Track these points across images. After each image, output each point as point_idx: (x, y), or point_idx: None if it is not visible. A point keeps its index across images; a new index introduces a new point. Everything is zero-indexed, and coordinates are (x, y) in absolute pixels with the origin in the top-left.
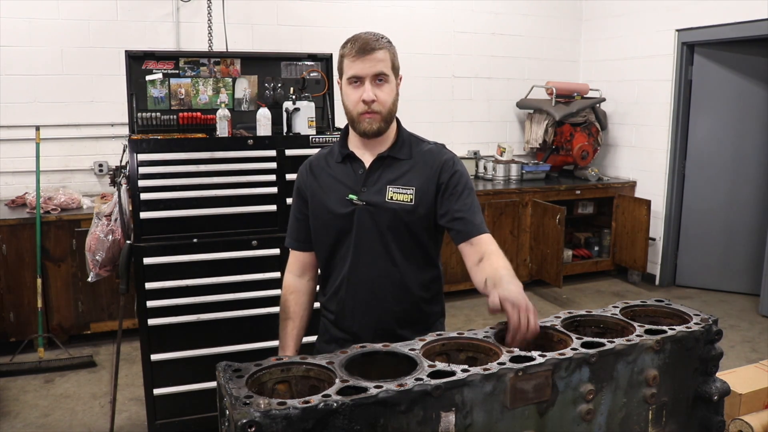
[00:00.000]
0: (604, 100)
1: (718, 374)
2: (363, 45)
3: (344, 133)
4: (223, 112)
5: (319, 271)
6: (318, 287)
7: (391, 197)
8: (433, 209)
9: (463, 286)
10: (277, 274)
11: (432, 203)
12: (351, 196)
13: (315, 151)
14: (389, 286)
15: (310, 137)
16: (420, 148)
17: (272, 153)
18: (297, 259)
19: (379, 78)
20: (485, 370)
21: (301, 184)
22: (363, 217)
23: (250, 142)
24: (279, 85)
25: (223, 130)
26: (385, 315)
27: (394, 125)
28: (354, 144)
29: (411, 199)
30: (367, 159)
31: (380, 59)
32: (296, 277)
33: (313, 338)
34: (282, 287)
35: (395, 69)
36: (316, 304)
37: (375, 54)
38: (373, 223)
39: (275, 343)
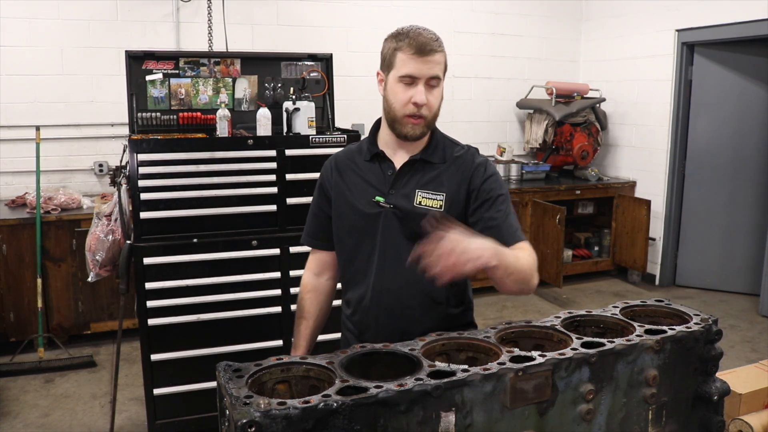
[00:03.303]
0: (604, 100)
1: (718, 374)
2: (423, 44)
3: (374, 129)
4: (223, 112)
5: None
6: (342, 303)
7: (420, 202)
8: (463, 216)
9: None
10: (277, 274)
11: (462, 210)
12: (378, 198)
13: (315, 151)
14: (417, 295)
15: (310, 137)
16: (453, 152)
17: (272, 153)
18: (315, 257)
19: (432, 81)
20: (485, 370)
21: (325, 181)
22: (389, 220)
23: (250, 142)
24: (279, 85)
25: (223, 130)
26: (411, 328)
27: None
28: (385, 142)
29: (440, 206)
30: (398, 160)
31: (437, 62)
32: (315, 276)
33: (327, 336)
34: (300, 285)
35: (445, 73)
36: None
37: (434, 56)
38: (399, 228)
39: (275, 342)
